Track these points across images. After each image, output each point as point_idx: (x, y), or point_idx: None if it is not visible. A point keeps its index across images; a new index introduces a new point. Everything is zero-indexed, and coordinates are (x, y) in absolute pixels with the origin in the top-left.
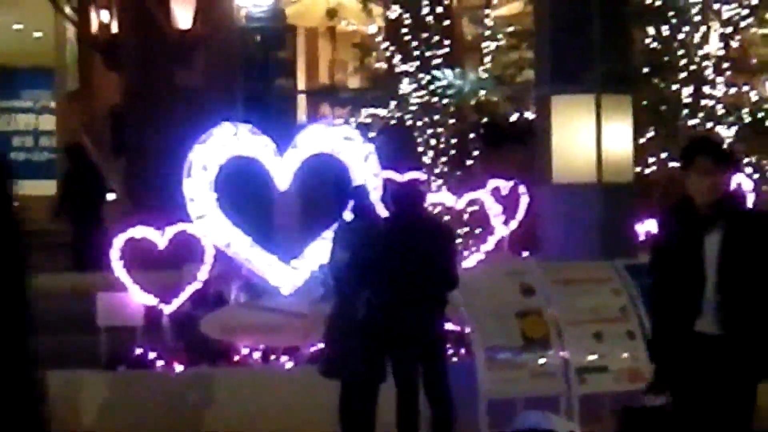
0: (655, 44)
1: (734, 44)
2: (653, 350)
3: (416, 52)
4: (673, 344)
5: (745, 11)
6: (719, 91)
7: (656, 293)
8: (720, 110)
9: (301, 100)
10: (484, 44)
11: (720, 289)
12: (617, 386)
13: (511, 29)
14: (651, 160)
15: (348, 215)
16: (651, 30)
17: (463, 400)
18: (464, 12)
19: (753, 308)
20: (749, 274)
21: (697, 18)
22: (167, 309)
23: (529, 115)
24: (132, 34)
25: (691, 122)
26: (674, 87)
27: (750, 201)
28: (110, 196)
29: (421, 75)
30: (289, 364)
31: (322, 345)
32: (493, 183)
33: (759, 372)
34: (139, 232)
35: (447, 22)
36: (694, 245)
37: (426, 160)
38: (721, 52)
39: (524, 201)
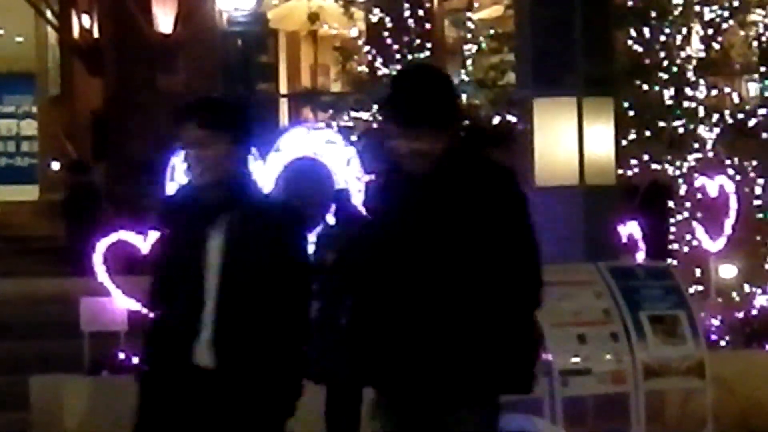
0: (636, 46)
1: (716, 46)
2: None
3: (398, 56)
4: (163, 381)
5: (726, 13)
6: (701, 92)
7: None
8: (702, 112)
9: (283, 103)
10: (465, 47)
11: (218, 309)
12: (601, 388)
13: (492, 32)
14: (633, 162)
15: (331, 219)
16: (632, 32)
17: None
18: (446, 15)
19: (254, 338)
20: (252, 288)
21: (679, 20)
22: (151, 314)
23: (511, 118)
24: (113, 38)
25: (673, 124)
26: (656, 89)
27: (734, 206)
28: None
29: None
30: None
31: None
32: None
33: (260, 424)
34: (121, 236)
35: (428, 26)
36: (192, 246)
37: None
38: (703, 54)
39: None
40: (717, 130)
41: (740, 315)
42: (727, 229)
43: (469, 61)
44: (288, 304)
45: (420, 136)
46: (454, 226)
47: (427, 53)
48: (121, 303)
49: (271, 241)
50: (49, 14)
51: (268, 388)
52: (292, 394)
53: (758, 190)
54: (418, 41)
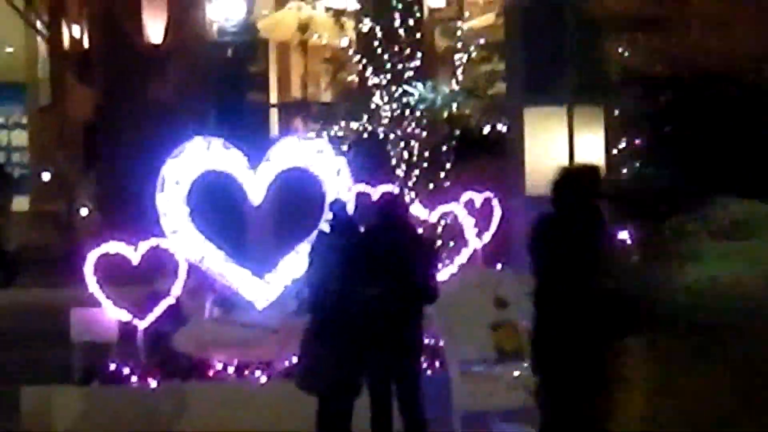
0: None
1: None
2: None
3: (388, 65)
4: None
5: None
6: None
7: None
8: None
9: (274, 113)
10: (456, 56)
11: None
12: None
13: (482, 41)
14: (624, 170)
15: (325, 227)
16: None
17: (437, 414)
18: (436, 24)
19: None
20: None
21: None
22: (141, 324)
23: (502, 127)
24: (104, 48)
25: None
26: None
27: None
28: (83, 211)
29: (393, 88)
30: (263, 379)
31: (296, 359)
32: (466, 195)
33: None
34: (112, 247)
35: (418, 35)
36: None
37: (399, 172)
38: None
39: (497, 213)
40: None
41: None
42: None
43: (459, 71)
44: None
45: None
46: None
47: (418, 62)
48: (111, 313)
49: None
50: (39, 24)
51: None
52: None
53: None
54: (408, 51)
